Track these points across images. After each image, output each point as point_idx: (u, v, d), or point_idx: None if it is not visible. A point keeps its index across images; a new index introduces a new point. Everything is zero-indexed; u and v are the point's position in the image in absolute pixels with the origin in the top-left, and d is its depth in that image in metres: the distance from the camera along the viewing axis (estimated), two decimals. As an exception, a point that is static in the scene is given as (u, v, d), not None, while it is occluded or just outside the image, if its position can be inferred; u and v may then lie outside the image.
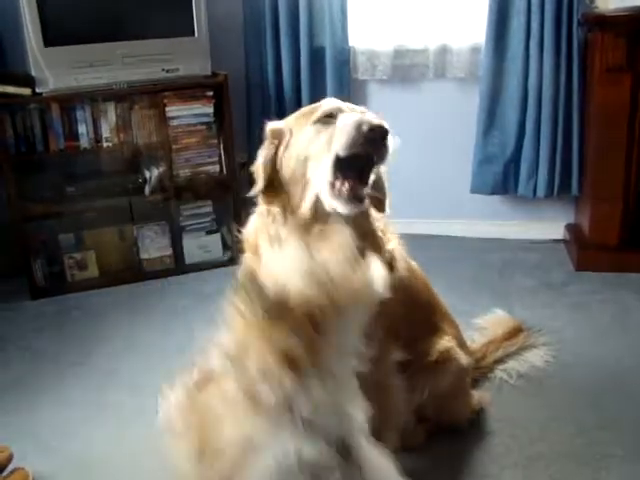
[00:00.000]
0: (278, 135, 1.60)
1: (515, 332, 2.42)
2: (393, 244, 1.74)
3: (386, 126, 1.48)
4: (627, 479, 1.79)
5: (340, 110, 1.54)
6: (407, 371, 1.77)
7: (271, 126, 1.63)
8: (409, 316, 1.77)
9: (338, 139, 1.47)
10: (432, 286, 2.00)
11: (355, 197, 1.49)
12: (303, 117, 1.60)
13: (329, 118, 1.52)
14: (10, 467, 1.96)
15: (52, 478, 1.99)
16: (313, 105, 1.63)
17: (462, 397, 2.00)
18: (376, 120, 1.48)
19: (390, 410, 1.72)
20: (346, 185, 1.48)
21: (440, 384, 1.86)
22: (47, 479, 1.98)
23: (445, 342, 1.90)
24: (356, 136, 1.45)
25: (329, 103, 1.59)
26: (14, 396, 2.48)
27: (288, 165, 1.56)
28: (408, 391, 1.79)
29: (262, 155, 1.61)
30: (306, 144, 1.53)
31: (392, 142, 1.49)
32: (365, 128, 1.45)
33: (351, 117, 1.50)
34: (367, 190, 1.52)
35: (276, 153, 1.58)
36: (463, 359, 1.93)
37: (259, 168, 1.60)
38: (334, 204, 1.49)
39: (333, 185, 1.49)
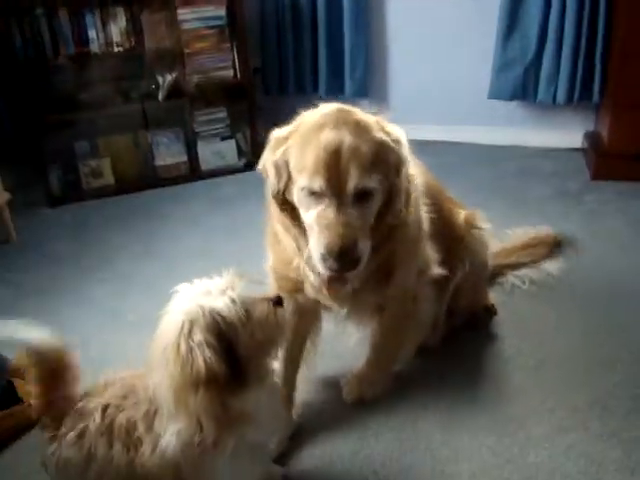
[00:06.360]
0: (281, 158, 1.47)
1: (535, 244, 2.42)
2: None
3: (351, 255, 1.38)
4: (633, 379, 1.83)
5: (323, 193, 1.38)
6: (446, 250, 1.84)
7: (275, 136, 1.51)
8: (437, 211, 1.81)
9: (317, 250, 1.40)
10: (445, 189, 2.00)
11: (339, 283, 1.49)
12: (303, 144, 1.42)
13: (316, 196, 1.39)
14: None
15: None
16: (317, 120, 1.43)
17: (483, 282, 2.11)
18: (338, 257, 1.37)
19: (415, 318, 1.80)
20: (326, 279, 1.48)
21: (474, 248, 1.98)
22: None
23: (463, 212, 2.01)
24: (325, 266, 1.40)
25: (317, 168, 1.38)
26: (34, 300, 2.55)
27: (293, 198, 1.48)
28: (451, 271, 1.87)
29: (268, 163, 1.50)
30: (299, 204, 1.46)
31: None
32: (329, 266, 1.38)
33: (314, 247, 1.40)
34: (353, 274, 1.46)
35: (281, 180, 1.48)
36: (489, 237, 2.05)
37: (267, 171, 1.51)
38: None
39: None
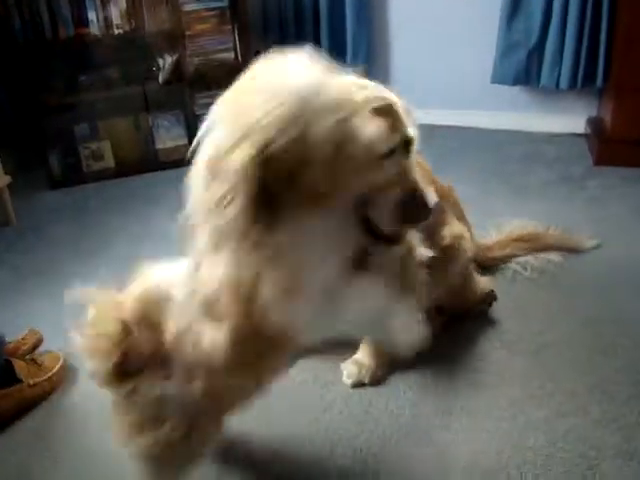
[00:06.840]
0: None
1: (530, 238, 2.40)
2: None
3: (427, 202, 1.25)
4: (634, 365, 1.83)
5: None
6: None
7: None
8: None
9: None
10: (445, 176, 1.97)
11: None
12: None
13: None
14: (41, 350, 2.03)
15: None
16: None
17: (469, 281, 2.04)
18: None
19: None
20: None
21: (453, 270, 1.90)
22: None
23: (455, 227, 1.92)
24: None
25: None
26: (32, 282, 2.56)
27: None
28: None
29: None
30: None
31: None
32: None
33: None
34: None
35: None
36: (468, 245, 1.97)
37: None
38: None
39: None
